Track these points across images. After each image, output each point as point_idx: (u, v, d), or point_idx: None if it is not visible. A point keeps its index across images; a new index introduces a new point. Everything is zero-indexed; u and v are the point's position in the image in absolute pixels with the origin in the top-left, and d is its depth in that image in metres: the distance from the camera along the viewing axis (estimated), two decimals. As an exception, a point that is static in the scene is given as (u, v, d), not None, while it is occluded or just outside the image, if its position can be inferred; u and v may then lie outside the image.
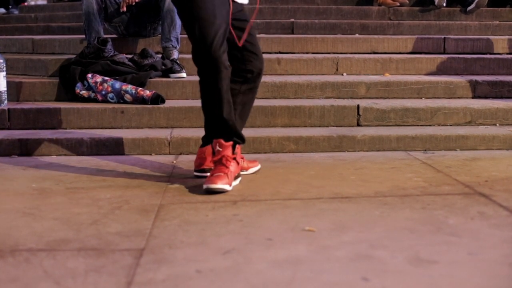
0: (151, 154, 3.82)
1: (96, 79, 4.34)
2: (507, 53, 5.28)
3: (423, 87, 4.58)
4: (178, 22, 4.70)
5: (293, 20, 5.91)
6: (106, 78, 4.35)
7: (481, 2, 6.07)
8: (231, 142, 3.07)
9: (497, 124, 4.27)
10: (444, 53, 5.24)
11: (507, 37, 5.45)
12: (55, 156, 3.80)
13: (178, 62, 4.64)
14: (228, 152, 3.05)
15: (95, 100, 4.32)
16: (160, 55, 4.72)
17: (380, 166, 3.52)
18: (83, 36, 4.87)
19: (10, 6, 8.74)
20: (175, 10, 4.59)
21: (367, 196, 2.92)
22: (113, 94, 4.29)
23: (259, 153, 3.84)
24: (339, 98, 4.48)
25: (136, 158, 3.73)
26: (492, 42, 5.32)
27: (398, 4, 6.24)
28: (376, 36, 5.32)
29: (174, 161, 3.64)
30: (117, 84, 4.30)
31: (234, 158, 3.07)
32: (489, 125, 4.25)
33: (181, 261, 2.13)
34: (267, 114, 4.16)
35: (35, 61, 4.88)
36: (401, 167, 3.51)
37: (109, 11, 4.80)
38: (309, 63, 4.83)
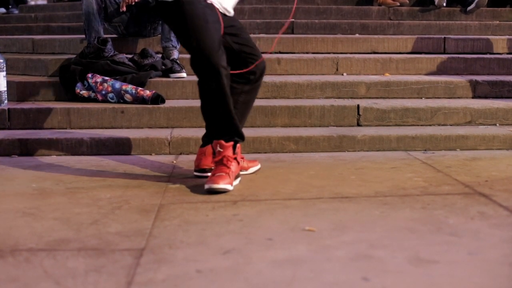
0: (151, 154, 3.82)
1: (96, 79, 4.34)
2: (507, 53, 5.28)
3: (423, 87, 4.58)
4: (178, 22, 4.69)
5: (293, 20, 5.90)
6: (106, 78, 4.35)
7: (481, 2, 6.07)
8: (231, 143, 3.08)
9: (497, 124, 4.27)
10: (444, 53, 5.24)
11: (507, 37, 5.45)
12: (55, 156, 3.80)
13: (178, 62, 4.64)
14: (229, 152, 3.06)
15: (95, 100, 4.32)
16: (160, 55, 4.72)
17: (380, 166, 3.52)
18: (83, 36, 4.87)
19: (10, 6, 8.74)
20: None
21: (367, 196, 2.92)
22: (113, 94, 4.29)
23: (259, 153, 3.84)
24: (339, 98, 4.48)
25: (136, 158, 3.73)
26: (492, 42, 5.32)
27: (398, 4, 6.24)
28: (376, 36, 5.32)
29: (174, 161, 3.64)
30: (117, 84, 4.30)
31: (235, 158, 3.08)
32: (489, 125, 4.25)
33: (181, 261, 2.13)
34: (267, 114, 4.16)
35: (35, 61, 4.88)
36: (401, 167, 3.51)
37: (109, 11, 4.80)
38: (309, 63, 4.83)
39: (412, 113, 4.24)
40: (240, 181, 3.14)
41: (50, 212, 2.70)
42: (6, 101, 4.26)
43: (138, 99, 4.24)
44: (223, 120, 3.05)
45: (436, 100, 4.50)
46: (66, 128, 4.12)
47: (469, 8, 6.16)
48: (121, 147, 3.83)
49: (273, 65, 4.79)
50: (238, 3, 3.29)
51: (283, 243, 2.30)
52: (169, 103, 4.24)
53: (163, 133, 3.93)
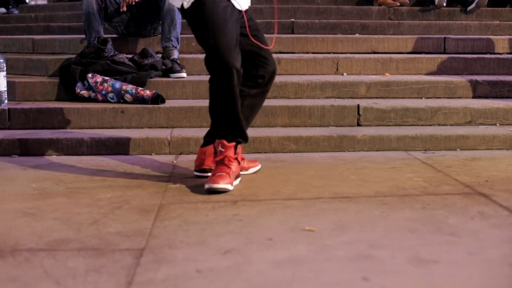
0: (151, 154, 3.82)
1: (96, 79, 4.34)
2: (507, 53, 5.28)
3: (423, 87, 4.58)
4: (178, 21, 4.70)
5: (293, 20, 5.90)
6: (106, 78, 4.35)
7: (481, 2, 6.06)
8: (233, 143, 3.08)
9: (497, 124, 4.27)
10: (444, 53, 5.24)
11: (507, 37, 5.45)
12: (55, 156, 3.80)
13: (178, 62, 4.64)
14: (231, 152, 3.06)
15: (95, 100, 4.32)
16: (160, 55, 4.72)
17: (380, 166, 3.52)
18: (83, 36, 4.87)
19: (10, 6, 8.75)
20: (175, 10, 4.64)
21: (367, 196, 2.92)
22: (113, 94, 4.29)
23: (259, 153, 3.84)
24: (339, 98, 4.48)
25: (136, 158, 3.73)
26: (492, 42, 5.32)
27: (398, 4, 6.24)
28: (376, 36, 5.32)
29: (174, 161, 3.64)
30: (117, 84, 4.30)
31: (236, 158, 3.08)
32: (489, 125, 4.25)
33: (181, 261, 2.13)
34: (267, 114, 4.16)
35: (35, 61, 4.88)
36: (401, 167, 3.51)
37: (109, 11, 4.80)
38: (309, 63, 4.83)
39: (412, 113, 4.24)
40: (240, 181, 3.14)
41: (50, 212, 2.70)
42: (6, 101, 4.26)
43: (138, 99, 4.24)
44: (229, 119, 3.05)
45: (436, 100, 4.50)
46: (66, 128, 4.12)
47: (469, 8, 6.16)
48: (121, 147, 3.83)
49: (273, 65, 4.79)
50: None
51: (283, 243, 2.30)
52: (169, 103, 4.24)
53: (163, 133, 3.93)
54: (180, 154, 3.83)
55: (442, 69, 4.91)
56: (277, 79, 4.55)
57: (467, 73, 4.93)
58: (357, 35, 5.53)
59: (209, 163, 3.22)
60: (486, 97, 4.59)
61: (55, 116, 4.13)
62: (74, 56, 4.68)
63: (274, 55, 4.89)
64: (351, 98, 4.48)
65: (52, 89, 4.49)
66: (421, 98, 4.55)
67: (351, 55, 4.96)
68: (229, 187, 2.98)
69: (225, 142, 3.06)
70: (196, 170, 3.30)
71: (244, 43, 3.11)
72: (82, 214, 2.67)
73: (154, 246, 2.27)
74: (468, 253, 2.20)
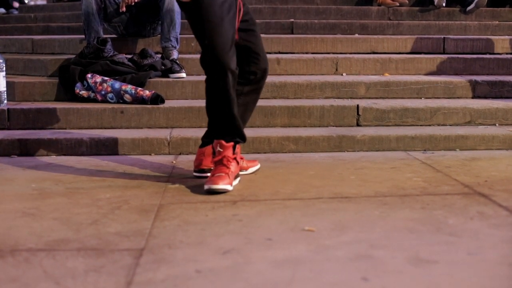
0: (150, 154, 3.82)
1: (95, 79, 4.34)
2: (507, 53, 5.29)
3: (423, 87, 4.58)
4: (177, 22, 4.70)
5: (292, 20, 5.90)
6: (106, 78, 4.35)
7: (481, 2, 6.07)
8: (232, 143, 3.08)
9: (497, 124, 4.27)
10: (443, 53, 5.24)
11: (506, 37, 5.45)
12: (54, 156, 3.80)
13: (178, 62, 4.64)
14: (229, 152, 3.05)
15: (94, 100, 4.32)
16: (159, 55, 4.72)
17: (380, 166, 3.52)
18: (83, 36, 4.87)
19: (10, 6, 8.74)
20: (175, 10, 4.64)
21: (366, 196, 2.92)
22: (112, 94, 4.29)
23: (258, 153, 3.84)
24: (338, 98, 4.48)
25: (136, 158, 3.73)
26: (492, 42, 5.32)
27: (398, 4, 6.25)
28: (375, 36, 5.32)
29: (174, 161, 3.64)
30: (117, 84, 4.30)
31: (234, 158, 3.08)
32: (489, 125, 4.25)
33: (181, 261, 2.13)
34: (267, 114, 4.16)
35: (34, 61, 4.88)
36: (400, 167, 3.51)
37: (109, 11, 4.80)
38: (309, 63, 4.83)
39: (412, 113, 4.24)
40: (239, 181, 3.14)
41: (50, 212, 2.70)
42: (5, 101, 4.26)
43: (138, 99, 4.24)
44: (226, 119, 3.05)
45: (436, 100, 4.50)
46: (65, 128, 4.11)
47: (468, 8, 6.16)
48: (121, 147, 3.83)
49: (272, 65, 4.79)
50: None
51: (282, 243, 2.30)
52: (168, 103, 4.24)
53: (163, 133, 3.92)
54: (180, 154, 3.83)
55: (441, 69, 4.92)
56: (277, 79, 4.57)
57: (467, 73, 4.94)
58: (356, 35, 5.53)
59: (208, 163, 3.22)
60: (485, 97, 4.60)
61: (54, 116, 4.13)
62: (73, 56, 4.68)
63: (274, 55, 4.93)
64: (351, 98, 4.48)
65: (51, 89, 4.49)
66: (421, 98, 4.56)
67: (351, 55, 4.96)
68: (229, 187, 2.98)
69: (223, 142, 3.05)
70: (195, 171, 3.30)
71: (240, 38, 3.10)
72: (82, 214, 2.67)
73: (154, 246, 2.27)
74: (468, 253, 2.20)
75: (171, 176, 3.31)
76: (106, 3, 4.77)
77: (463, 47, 5.29)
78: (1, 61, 4.20)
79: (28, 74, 4.87)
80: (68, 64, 4.53)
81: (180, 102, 4.32)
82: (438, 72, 4.90)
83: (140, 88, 4.29)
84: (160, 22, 4.81)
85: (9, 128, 4.12)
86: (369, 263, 2.10)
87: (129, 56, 4.66)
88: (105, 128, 4.11)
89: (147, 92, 4.25)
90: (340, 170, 3.45)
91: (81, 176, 3.32)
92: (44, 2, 8.61)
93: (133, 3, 4.74)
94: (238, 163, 3.12)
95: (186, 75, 4.59)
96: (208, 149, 3.21)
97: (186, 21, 5.59)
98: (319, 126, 4.17)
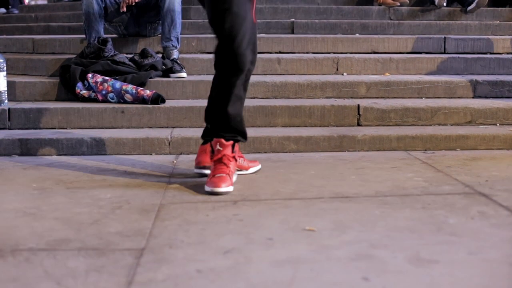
0: (151, 154, 3.82)
1: (96, 79, 4.34)
2: (508, 53, 5.28)
3: (424, 87, 4.58)
4: (178, 21, 4.70)
5: (293, 20, 5.91)
6: (107, 78, 4.35)
7: (482, 2, 6.07)
8: (231, 142, 3.07)
9: (498, 124, 4.27)
10: (444, 53, 5.24)
11: (507, 37, 5.45)
12: (55, 156, 3.80)
13: (179, 62, 4.64)
14: (228, 151, 3.05)
15: (95, 100, 4.32)
16: (160, 55, 4.72)
17: (381, 166, 3.52)
18: (84, 36, 4.87)
19: (10, 6, 8.76)
20: (176, 10, 4.65)
21: (367, 195, 2.92)
22: (113, 94, 4.29)
23: (259, 152, 3.84)
24: (339, 98, 4.48)
25: (137, 158, 3.73)
26: (493, 42, 5.32)
27: (398, 4, 6.25)
28: (376, 36, 5.32)
29: (175, 161, 3.64)
30: (118, 84, 4.30)
31: (233, 157, 3.07)
32: (490, 125, 4.25)
33: (182, 261, 2.13)
34: (268, 114, 4.16)
35: (35, 61, 4.88)
36: (401, 166, 3.51)
37: (109, 11, 4.81)
38: (310, 63, 4.83)
39: (413, 113, 4.23)
40: (240, 181, 3.14)
41: (51, 212, 2.70)
42: (6, 101, 4.26)
43: (138, 99, 4.24)
44: (230, 118, 3.01)
45: (437, 100, 4.50)
46: (66, 128, 4.12)
47: (469, 8, 6.16)
48: (122, 147, 3.83)
49: (273, 65, 4.80)
50: None
51: (283, 243, 2.30)
52: (169, 103, 4.24)
53: (163, 133, 3.93)
54: (180, 154, 3.83)
55: (442, 69, 4.92)
56: (278, 79, 4.57)
57: (467, 73, 4.94)
58: (357, 35, 5.53)
59: (207, 160, 3.20)
60: (486, 97, 4.59)
61: (55, 116, 4.13)
62: (74, 56, 4.68)
63: (275, 55, 4.93)
64: (351, 98, 4.48)
65: (52, 89, 4.49)
66: (421, 98, 4.56)
67: (351, 55, 4.96)
68: (230, 189, 2.97)
69: (223, 140, 3.04)
70: (196, 167, 3.29)
71: None
72: (82, 214, 2.67)
73: (155, 246, 2.27)
74: (469, 253, 2.20)
75: (171, 176, 3.31)
76: (106, 3, 4.77)
77: (463, 47, 5.29)
78: (1, 60, 4.21)
79: (29, 74, 4.87)
80: (69, 64, 4.53)
81: (181, 102, 4.32)
82: (439, 72, 4.90)
83: (141, 88, 4.29)
84: (160, 22, 4.81)
85: (9, 128, 4.12)
86: (369, 263, 2.10)
87: (130, 56, 4.66)
88: (105, 128, 4.11)
89: (147, 92, 4.25)
90: (340, 169, 3.45)
91: (82, 176, 3.32)
92: (45, 2, 8.62)
93: (133, 3, 4.74)
94: (236, 160, 3.11)
95: (187, 75, 4.59)
96: (208, 146, 3.20)
97: (186, 21, 5.63)
98: (320, 126, 4.17)
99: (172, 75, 4.56)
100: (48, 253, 2.21)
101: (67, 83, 4.45)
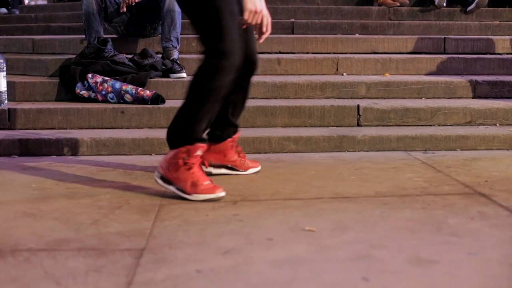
0: (151, 154, 3.82)
1: (96, 79, 4.34)
2: (507, 53, 5.29)
3: (423, 87, 4.58)
4: (178, 22, 4.70)
5: (293, 20, 5.91)
6: (106, 78, 4.35)
7: (481, 2, 6.07)
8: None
9: (497, 124, 4.27)
10: (444, 53, 5.24)
11: (507, 37, 5.45)
12: (55, 156, 3.80)
13: (178, 62, 4.64)
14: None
15: (95, 100, 4.32)
16: (160, 55, 4.72)
17: (380, 166, 3.52)
18: (83, 36, 4.88)
19: (10, 7, 8.76)
20: (176, 10, 4.64)
21: (367, 196, 2.92)
22: (113, 94, 4.29)
23: (259, 153, 3.84)
24: (339, 98, 4.48)
25: (137, 158, 3.73)
26: (492, 42, 5.32)
27: (398, 4, 6.25)
28: (376, 36, 5.33)
29: (174, 161, 3.64)
30: (117, 84, 4.30)
31: (185, 162, 2.87)
32: (489, 125, 4.25)
33: (181, 261, 2.13)
34: (267, 114, 4.16)
35: (35, 61, 4.88)
36: (401, 167, 3.51)
37: (109, 11, 4.81)
38: (309, 63, 4.83)
39: (412, 113, 4.24)
40: (237, 179, 3.13)
41: (50, 212, 2.70)
42: (6, 101, 4.26)
43: (138, 99, 4.24)
44: (194, 123, 2.85)
45: (436, 100, 4.50)
46: (66, 128, 4.12)
47: (469, 8, 6.16)
48: (121, 147, 3.83)
49: (273, 65, 4.80)
50: None
51: (283, 243, 2.30)
52: (169, 103, 4.24)
53: (163, 133, 3.90)
54: (180, 154, 3.82)
55: (442, 69, 4.92)
56: (277, 79, 4.57)
57: (467, 73, 4.94)
58: (357, 35, 5.54)
59: (212, 159, 3.19)
60: (486, 97, 4.60)
61: (55, 116, 4.13)
62: (74, 56, 4.68)
63: (274, 55, 4.94)
64: (351, 98, 4.48)
65: (52, 89, 4.49)
66: (421, 98, 4.56)
67: (351, 55, 4.97)
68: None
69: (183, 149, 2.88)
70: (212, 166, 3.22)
71: None
72: (82, 214, 2.67)
73: (154, 246, 2.27)
74: (468, 253, 2.20)
75: (171, 176, 3.31)
76: (106, 3, 4.77)
77: (463, 47, 5.30)
78: (1, 61, 4.21)
79: (29, 74, 4.87)
80: (69, 64, 4.53)
81: (180, 102, 4.30)
82: (439, 72, 4.91)
83: (140, 88, 4.29)
84: (160, 22, 4.81)
85: (9, 128, 4.12)
86: (369, 263, 2.10)
87: (130, 56, 4.67)
88: (105, 128, 4.11)
89: (147, 92, 4.25)
90: (340, 170, 3.45)
91: (81, 176, 3.32)
92: (45, 2, 8.62)
93: (133, 3, 4.75)
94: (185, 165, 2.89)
95: (187, 75, 4.59)
96: (225, 144, 3.18)
97: (187, 21, 5.63)
98: (320, 126, 4.17)
99: (172, 75, 4.56)
100: (48, 253, 2.21)
101: (67, 83, 4.45)
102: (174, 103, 4.24)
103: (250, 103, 4.11)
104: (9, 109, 4.14)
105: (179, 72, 4.56)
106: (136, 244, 2.29)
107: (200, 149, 2.86)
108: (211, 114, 2.86)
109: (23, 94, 4.48)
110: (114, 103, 4.28)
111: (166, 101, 4.29)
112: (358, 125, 4.20)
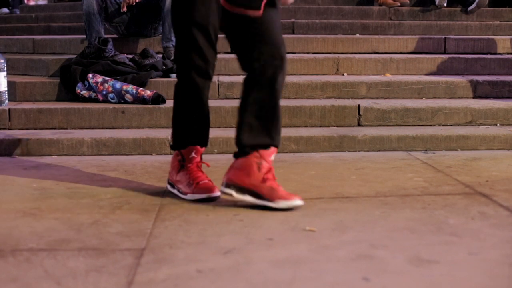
0: (151, 154, 3.82)
1: (96, 79, 4.34)
2: (508, 53, 5.29)
3: (424, 87, 4.58)
4: (178, 22, 4.70)
5: (293, 20, 5.91)
6: (107, 78, 4.35)
7: (482, 2, 6.07)
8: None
9: (498, 124, 4.27)
10: (444, 53, 5.24)
11: (508, 37, 5.45)
12: (55, 156, 3.80)
13: (179, 62, 4.63)
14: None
15: (95, 100, 4.32)
16: (160, 55, 4.72)
17: (381, 166, 3.52)
18: (84, 36, 4.88)
19: (10, 7, 8.77)
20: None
21: (367, 196, 2.92)
22: (113, 94, 4.29)
23: (259, 153, 3.83)
24: (339, 98, 4.48)
25: (137, 158, 3.73)
26: (493, 42, 5.32)
27: (399, 4, 6.25)
28: (376, 36, 5.32)
29: (175, 161, 3.64)
30: (118, 84, 4.30)
31: (183, 165, 2.91)
32: (490, 125, 4.25)
33: (182, 261, 2.13)
34: (268, 114, 4.15)
35: (35, 61, 4.88)
36: (401, 167, 3.51)
37: (110, 11, 4.81)
38: (310, 63, 4.83)
39: (413, 113, 4.24)
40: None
41: (51, 212, 2.70)
42: (6, 101, 4.26)
43: (139, 99, 4.24)
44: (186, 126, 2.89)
45: (437, 100, 4.50)
46: (66, 128, 4.12)
47: (469, 8, 6.16)
48: (122, 147, 3.83)
49: (273, 65, 4.79)
50: None
51: (283, 243, 2.30)
52: (169, 103, 4.22)
53: (164, 133, 3.93)
54: (181, 154, 3.82)
55: (442, 69, 4.92)
56: (278, 79, 4.57)
57: (468, 73, 4.94)
58: (357, 35, 5.53)
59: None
60: (486, 97, 4.60)
61: (55, 116, 4.14)
62: (74, 56, 4.68)
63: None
64: (352, 98, 4.48)
65: (52, 89, 4.50)
66: (422, 98, 4.56)
67: (352, 55, 4.96)
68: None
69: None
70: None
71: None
72: (83, 214, 2.67)
73: (155, 246, 2.27)
74: (469, 253, 2.20)
75: (172, 176, 3.31)
76: (107, 3, 4.77)
77: (464, 47, 5.29)
78: (2, 61, 4.21)
79: (29, 74, 4.87)
80: (69, 64, 4.53)
81: (181, 102, 4.31)
82: (439, 72, 4.90)
83: (141, 88, 4.29)
84: (161, 22, 4.81)
85: (10, 128, 4.12)
86: (370, 263, 2.10)
87: (130, 56, 4.67)
88: (106, 128, 4.11)
89: (148, 92, 4.25)
90: (341, 170, 3.45)
91: (82, 176, 3.32)
92: (45, 2, 8.62)
93: (134, 3, 4.75)
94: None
95: (187, 75, 4.58)
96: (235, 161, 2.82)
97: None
98: (320, 126, 4.17)
99: (172, 75, 4.56)
100: (48, 253, 2.21)
101: (67, 83, 4.45)
102: (175, 103, 4.24)
103: (250, 103, 4.11)
104: (9, 109, 4.14)
105: (180, 72, 4.56)
106: (137, 244, 2.29)
107: (193, 151, 2.89)
108: (192, 116, 2.86)
109: (23, 94, 4.48)
110: (115, 103, 4.28)
111: (167, 101, 4.29)
112: (359, 125, 4.20)
